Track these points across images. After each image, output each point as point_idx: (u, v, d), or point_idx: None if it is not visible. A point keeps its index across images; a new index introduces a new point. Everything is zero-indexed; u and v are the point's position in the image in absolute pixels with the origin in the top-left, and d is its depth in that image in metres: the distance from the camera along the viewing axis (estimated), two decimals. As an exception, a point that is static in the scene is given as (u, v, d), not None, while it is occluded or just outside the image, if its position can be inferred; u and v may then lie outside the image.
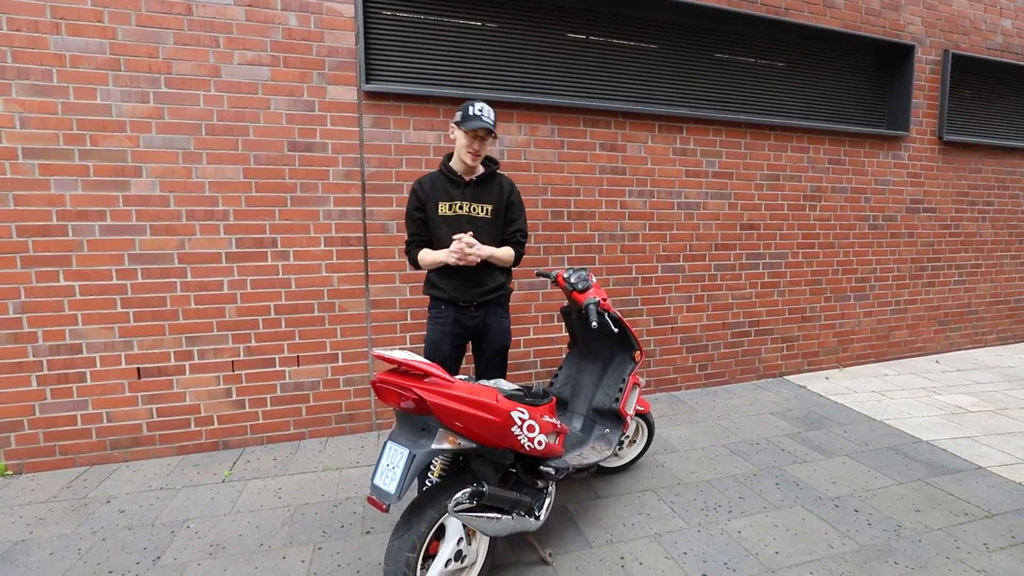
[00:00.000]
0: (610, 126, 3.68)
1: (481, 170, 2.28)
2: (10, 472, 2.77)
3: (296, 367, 3.15)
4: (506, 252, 2.29)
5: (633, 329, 2.52)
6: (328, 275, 3.15)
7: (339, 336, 3.21)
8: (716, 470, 2.79)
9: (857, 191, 4.46)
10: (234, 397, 3.06)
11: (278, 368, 3.12)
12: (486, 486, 1.61)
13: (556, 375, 2.57)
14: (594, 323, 2.06)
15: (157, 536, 2.20)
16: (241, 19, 2.91)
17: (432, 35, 3.26)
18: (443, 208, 2.22)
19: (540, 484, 1.95)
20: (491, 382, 1.89)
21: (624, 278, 3.82)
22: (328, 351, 3.20)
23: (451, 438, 1.57)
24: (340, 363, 3.22)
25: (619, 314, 2.36)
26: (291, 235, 3.07)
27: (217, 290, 2.98)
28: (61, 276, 2.75)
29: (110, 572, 1.98)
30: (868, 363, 4.74)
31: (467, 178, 2.25)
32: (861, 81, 4.48)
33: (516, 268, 2.46)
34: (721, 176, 4.01)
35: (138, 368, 2.90)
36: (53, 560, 2.05)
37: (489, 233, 2.26)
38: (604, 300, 2.24)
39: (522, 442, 1.71)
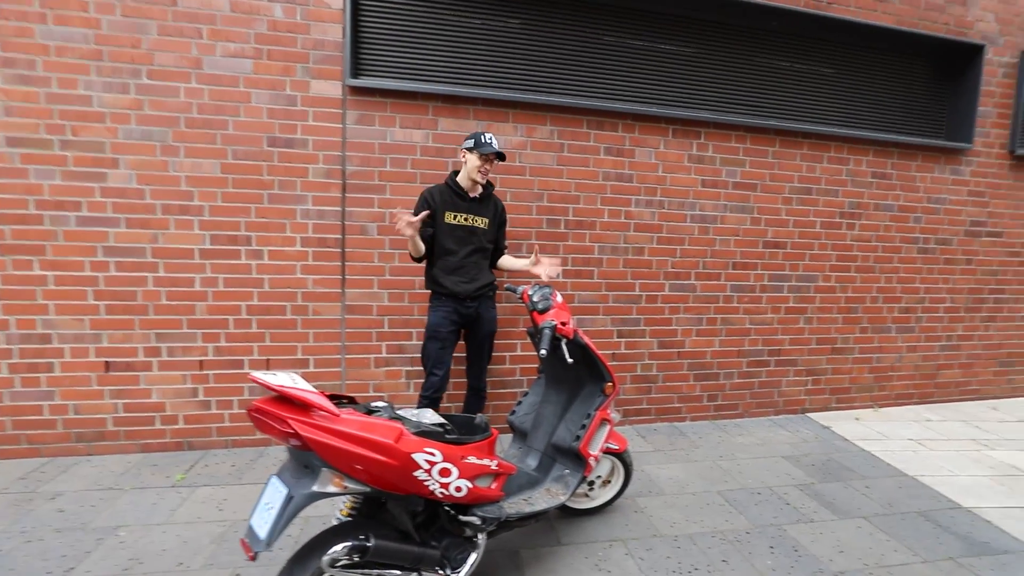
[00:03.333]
0: (617, 129, 3.38)
1: (480, 188, 2.66)
2: (-20, 457, 2.79)
3: (266, 370, 3.03)
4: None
5: (603, 355, 2.23)
6: (303, 277, 3.02)
7: (311, 341, 3.07)
8: (703, 522, 2.44)
9: (905, 209, 3.94)
10: (200, 397, 2.97)
11: (247, 370, 3.01)
12: (372, 539, 1.37)
13: (519, 402, 2.31)
14: (542, 350, 1.79)
15: (81, 543, 2.10)
16: (226, 10, 2.83)
17: (425, 28, 3.08)
18: (450, 217, 2.61)
19: (468, 532, 1.70)
20: (413, 413, 1.66)
21: (626, 295, 3.50)
22: (299, 356, 3.07)
23: (337, 479, 1.35)
24: (311, 369, 3.09)
25: (586, 340, 2.08)
26: (266, 234, 2.97)
27: (188, 287, 2.91)
28: (36, 265, 2.75)
29: (21, 580, 1.89)
30: (909, 404, 4.17)
31: (472, 194, 2.64)
32: (915, 86, 3.96)
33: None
34: (743, 187, 3.61)
35: (107, 362, 2.86)
36: (-26, 559, 1.99)
37: (486, 239, 2.71)
38: (563, 324, 1.96)
39: (431, 488, 1.46)
